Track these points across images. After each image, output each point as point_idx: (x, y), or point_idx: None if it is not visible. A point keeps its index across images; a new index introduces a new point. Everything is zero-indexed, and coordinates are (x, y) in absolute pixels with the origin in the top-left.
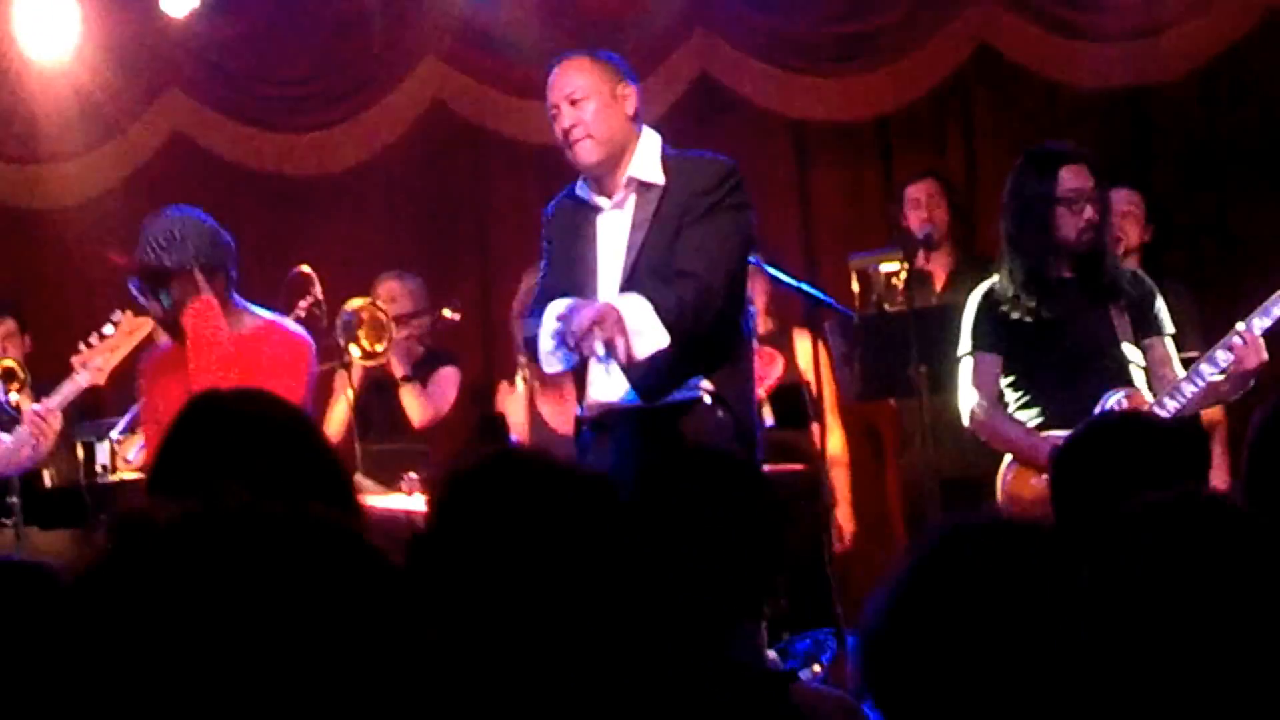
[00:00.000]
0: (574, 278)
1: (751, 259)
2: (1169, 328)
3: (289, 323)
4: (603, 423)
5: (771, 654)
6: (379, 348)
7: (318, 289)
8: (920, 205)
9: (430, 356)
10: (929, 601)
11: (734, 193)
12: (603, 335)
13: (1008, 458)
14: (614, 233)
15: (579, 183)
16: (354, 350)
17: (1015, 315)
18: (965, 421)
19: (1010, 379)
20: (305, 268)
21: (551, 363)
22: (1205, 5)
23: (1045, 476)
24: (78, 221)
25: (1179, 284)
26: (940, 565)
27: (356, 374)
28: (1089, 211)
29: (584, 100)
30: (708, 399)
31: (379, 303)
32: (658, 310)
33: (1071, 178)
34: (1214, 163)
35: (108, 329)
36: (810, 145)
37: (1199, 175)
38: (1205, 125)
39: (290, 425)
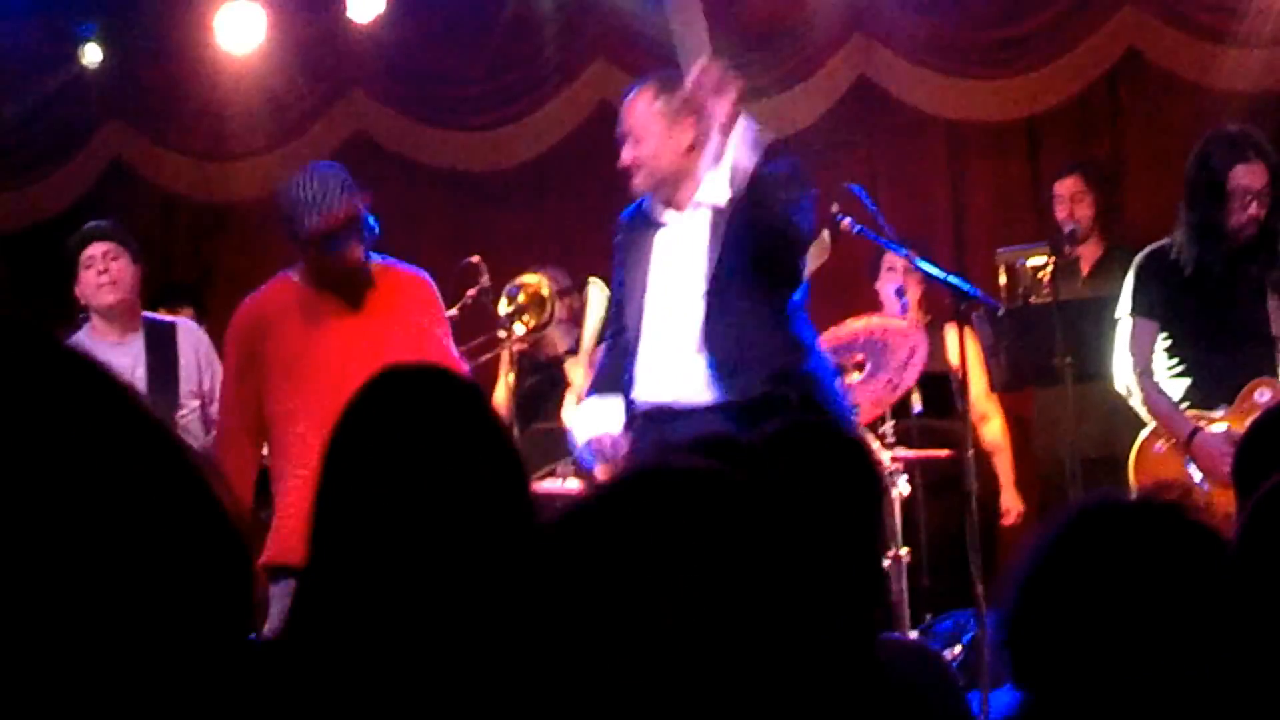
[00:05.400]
0: (631, 294)
1: (903, 252)
2: None
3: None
4: (658, 417)
5: (913, 634)
6: (539, 320)
7: (485, 278)
8: (1065, 201)
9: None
10: (1064, 578)
11: (804, 182)
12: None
13: (1142, 435)
14: (671, 251)
15: (647, 197)
16: (517, 326)
17: (1178, 284)
18: (1117, 385)
19: (1166, 344)
20: (475, 258)
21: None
22: None
23: (1168, 446)
24: (259, 215)
25: None
26: (1074, 543)
27: (505, 359)
28: (1254, 208)
29: (641, 140)
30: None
31: (544, 280)
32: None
33: (1244, 175)
34: None
35: None
36: (962, 144)
37: None
38: None
39: (471, 403)
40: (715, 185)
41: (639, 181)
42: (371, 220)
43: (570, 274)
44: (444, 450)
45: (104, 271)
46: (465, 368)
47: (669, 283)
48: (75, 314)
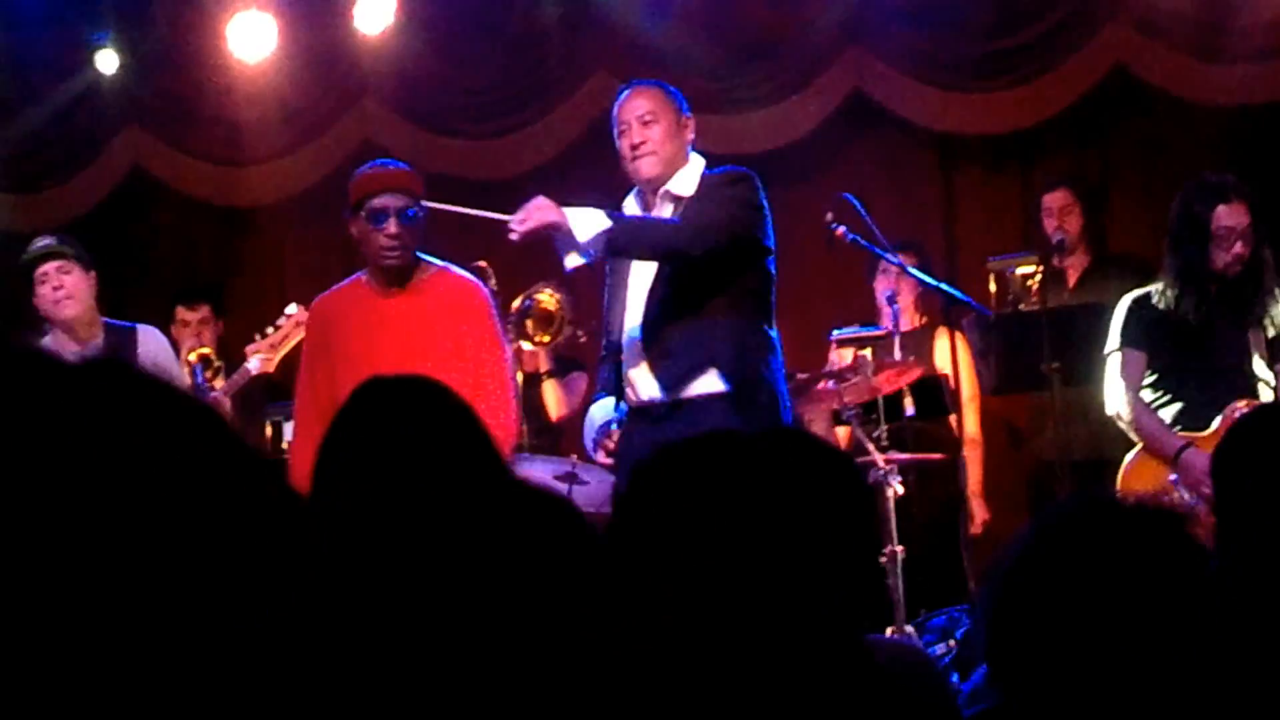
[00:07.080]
0: (616, 297)
1: (895, 260)
2: None
3: None
4: (647, 414)
5: (909, 629)
6: (543, 339)
7: (493, 282)
8: (1053, 214)
9: (566, 361)
10: (1047, 573)
11: (737, 185)
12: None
13: (1133, 451)
14: None
15: (627, 200)
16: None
17: (1164, 322)
18: (1109, 410)
19: (1152, 378)
20: (482, 263)
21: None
22: None
23: (1156, 464)
24: (276, 219)
25: None
26: (1060, 539)
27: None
28: (1239, 247)
29: (654, 122)
30: (723, 397)
31: (559, 298)
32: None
33: (1226, 215)
34: None
35: (280, 320)
36: (954, 156)
37: None
38: None
39: (456, 413)
40: (687, 180)
41: (649, 166)
42: (415, 212)
43: (573, 282)
44: (422, 451)
45: (59, 287)
46: (508, 379)
47: (645, 282)
48: (39, 324)
